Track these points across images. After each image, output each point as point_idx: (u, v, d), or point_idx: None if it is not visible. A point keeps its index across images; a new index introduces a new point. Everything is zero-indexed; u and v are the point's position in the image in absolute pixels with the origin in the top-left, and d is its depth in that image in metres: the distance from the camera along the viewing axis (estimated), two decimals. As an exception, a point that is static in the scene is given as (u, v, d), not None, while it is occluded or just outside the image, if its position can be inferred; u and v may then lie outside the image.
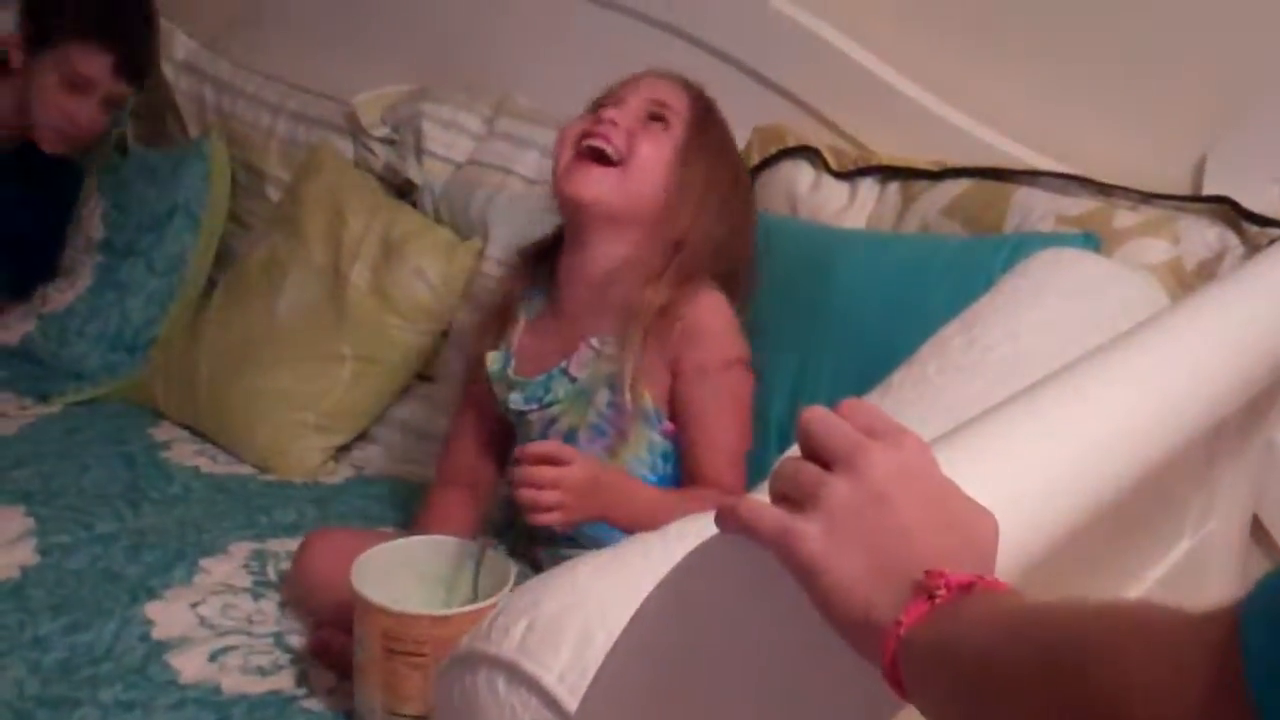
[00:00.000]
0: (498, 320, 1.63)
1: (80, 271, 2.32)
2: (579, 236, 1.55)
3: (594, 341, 1.52)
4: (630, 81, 1.58)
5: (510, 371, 1.58)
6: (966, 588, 0.61)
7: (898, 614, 0.60)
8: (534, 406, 1.55)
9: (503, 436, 1.63)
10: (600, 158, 1.52)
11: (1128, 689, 0.53)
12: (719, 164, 1.57)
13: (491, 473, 1.64)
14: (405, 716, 1.31)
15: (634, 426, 1.50)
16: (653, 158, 1.52)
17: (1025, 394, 0.83)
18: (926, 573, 0.61)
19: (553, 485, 1.36)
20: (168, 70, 2.49)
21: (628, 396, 1.48)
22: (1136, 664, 0.53)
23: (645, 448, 1.51)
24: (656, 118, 1.54)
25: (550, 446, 1.41)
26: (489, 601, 1.30)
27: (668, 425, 1.51)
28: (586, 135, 1.52)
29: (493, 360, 1.60)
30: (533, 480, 1.37)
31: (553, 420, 1.54)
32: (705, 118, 1.58)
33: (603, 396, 1.51)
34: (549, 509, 1.36)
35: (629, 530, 1.28)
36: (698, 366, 1.49)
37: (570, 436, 1.53)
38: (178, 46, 2.51)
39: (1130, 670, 0.53)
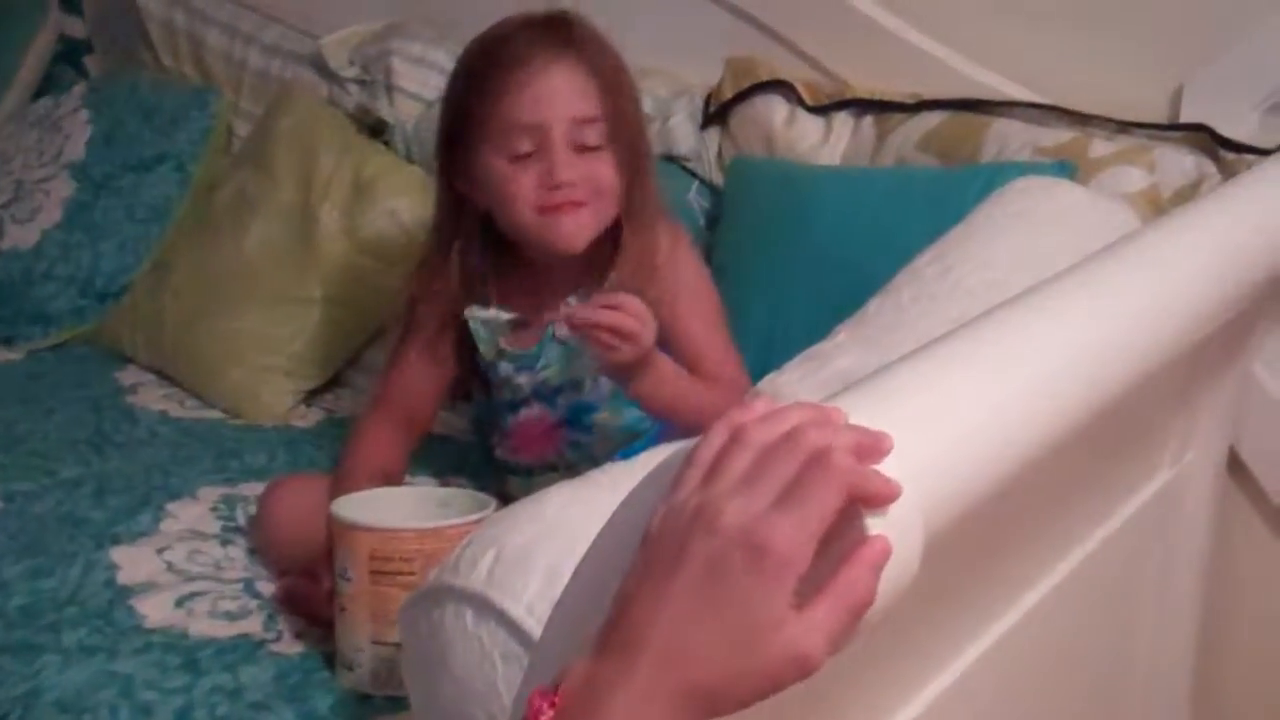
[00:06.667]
0: (462, 270, 1.55)
1: (47, 198, 2.24)
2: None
3: (573, 301, 1.48)
4: (538, 98, 1.44)
5: (500, 342, 1.53)
6: None
7: None
8: (524, 373, 1.53)
9: (445, 376, 1.58)
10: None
11: None
12: (634, 110, 1.50)
13: (429, 411, 1.60)
14: (394, 644, 1.26)
15: None
16: (608, 177, 1.45)
17: (979, 319, 0.80)
18: None
19: (632, 311, 1.34)
20: None
21: None
22: None
23: None
24: (585, 145, 1.44)
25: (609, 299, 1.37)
26: (475, 516, 1.28)
27: None
28: (548, 196, 1.44)
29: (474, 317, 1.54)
30: (614, 307, 1.34)
31: (542, 380, 1.53)
32: (614, 85, 1.47)
33: (590, 351, 1.48)
34: (632, 336, 1.33)
35: (653, 395, 1.38)
36: (664, 292, 1.47)
37: (561, 391, 1.52)
38: (150, -31, 2.44)
39: None
